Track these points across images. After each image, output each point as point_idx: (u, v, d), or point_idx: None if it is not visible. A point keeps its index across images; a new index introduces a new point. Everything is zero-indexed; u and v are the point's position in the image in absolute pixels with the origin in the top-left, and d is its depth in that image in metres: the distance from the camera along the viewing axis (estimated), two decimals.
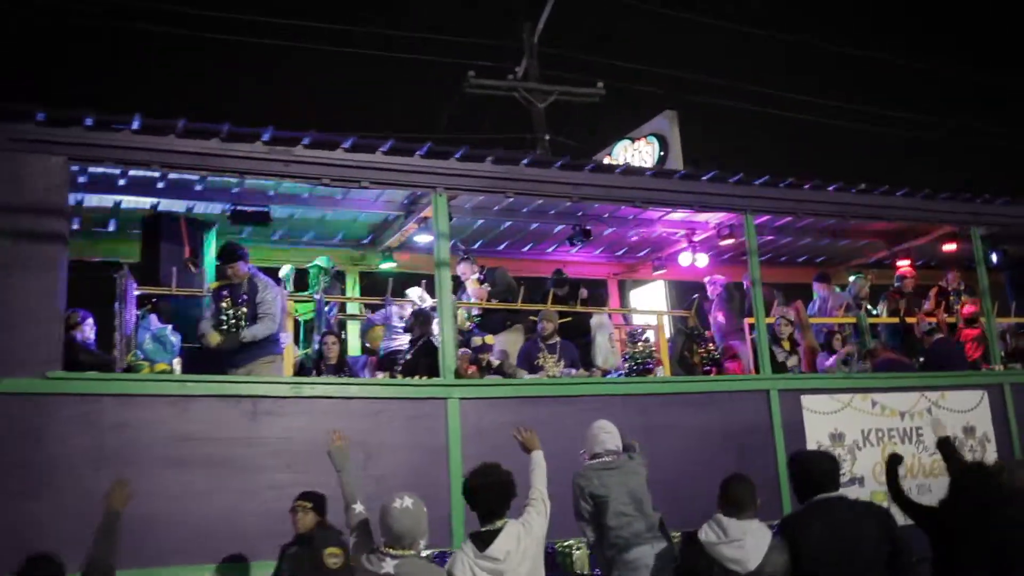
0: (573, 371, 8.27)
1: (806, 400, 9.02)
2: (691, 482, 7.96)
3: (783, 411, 8.84)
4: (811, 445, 8.88)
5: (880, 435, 9.34)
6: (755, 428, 8.67)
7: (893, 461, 6.36)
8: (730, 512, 5.12)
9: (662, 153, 18.40)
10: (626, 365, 9.26)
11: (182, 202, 8.68)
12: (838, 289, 11.60)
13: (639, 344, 9.27)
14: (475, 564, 4.63)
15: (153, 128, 7.13)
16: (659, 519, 5.96)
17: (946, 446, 6.62)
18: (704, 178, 9.04)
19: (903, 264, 11.83)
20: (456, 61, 17.85)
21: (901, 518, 5.68)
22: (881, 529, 5.06)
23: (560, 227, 10.19)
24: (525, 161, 8.25)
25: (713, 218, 9.97)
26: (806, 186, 9.55)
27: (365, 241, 10.20)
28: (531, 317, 9.36)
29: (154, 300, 8.06)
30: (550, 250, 10.99)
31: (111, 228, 9.20)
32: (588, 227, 9.72)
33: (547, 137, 17.77)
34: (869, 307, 11.43)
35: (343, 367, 7.87)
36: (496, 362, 8.42)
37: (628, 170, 8.71)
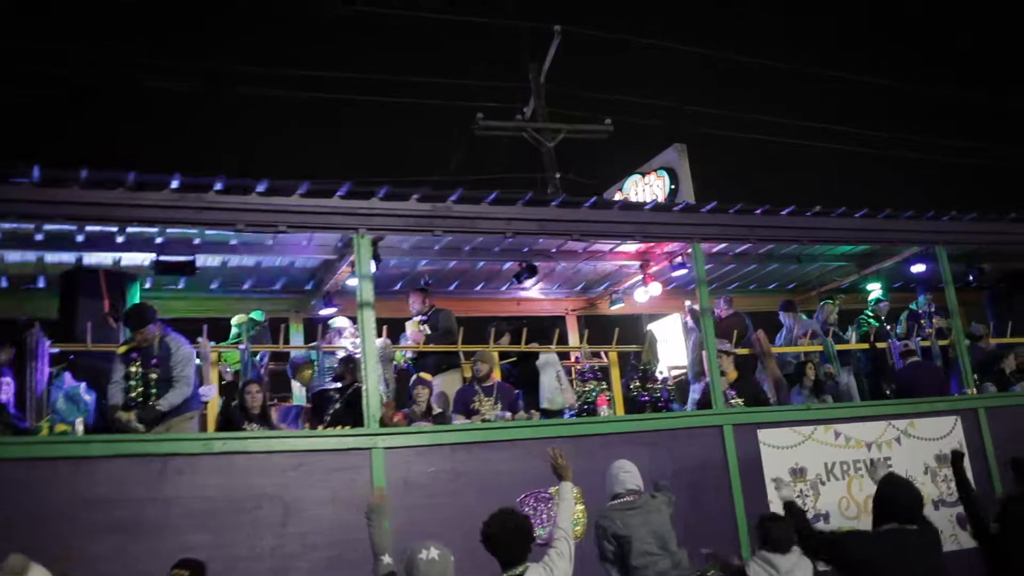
0: (508, 414, 7.90)
1: (764, 434, 8.63)
2: None
3: (739, 447, 8.44)
4: (769, 479, 8.48)
5: (845, 468, 8.92)
6: (708, 465, 8.28)
7: (957, 458, 6.77)
8: (775, 548, 5.31)
9: (673, 186, 18.15)
10: (577, 405, 8.90)
11: (107, 254, 8.42)
12: (804, 316, 11.19)
13: (589, 383, 8.91)
14: None
15: (56, 180, 6.91)
16: (685, 556, 5.94)
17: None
18: (647, 207, 8.73)
19: (874, 287, 11.43)
20: (465, 104, 17.95)
21: None
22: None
23: (509, 264, 9.86)
24: (453, 198, 7.96)
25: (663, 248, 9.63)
26: (757, 211, 9.22)
27: (308, 287, 9.90)
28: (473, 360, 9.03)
29: (71, 357, 7.78)
30: (504, 288, 10.66)
31: (40, 284, 8.95)
32: (535, 263, 9.39)
33: (558, 175, 17.80)
34: (839, 332, 11.02)
35: (267, 417, 7.54)
36: (438, 409, 8.07)
37: (565, 202, 8.39)
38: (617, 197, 17.82)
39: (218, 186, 7.26)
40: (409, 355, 9.04)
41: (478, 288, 10.51)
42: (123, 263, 8.58)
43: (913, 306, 11.51)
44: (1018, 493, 6.83)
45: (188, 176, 7.16)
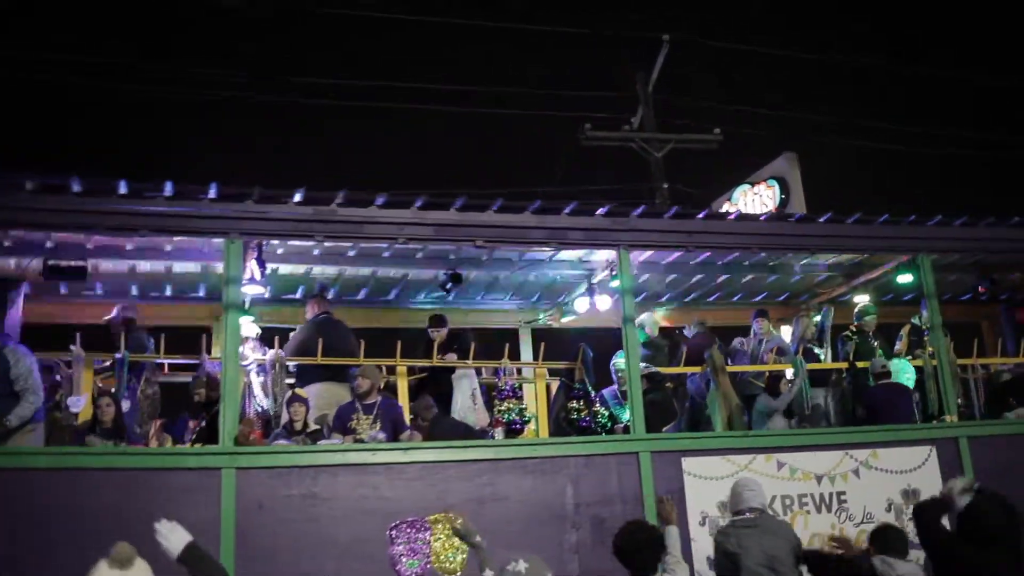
0: (381, 435, 7.27)
1: (689, 463, 7.77)
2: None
3: (658, 477, 7.61)
4: (694, 516, 7.66)
5: (789, 503, 7.97)
6: (618, 498, 7.48)
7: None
8: (894, 554, 5.46)
9: (783, 196, 17.87)
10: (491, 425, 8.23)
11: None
12: (776, 331, 10.19)
13: (507, 402, 8.22)
14: None
15: None
16: None
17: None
18: (565, 211, 8.00)
19: (861, 300, 10.35)
20: (572, 114, 17.67)
21: None
22: None
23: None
24: (338, 200, 7.41)
25: (593, 256, 8.87)
26: (700, 215, 8.39)
27: None
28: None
29: None
30: (451, 298, 10.03)
31: None
32: (460, 271, 8.74)
33: (665, 186, 17.45)
34: (816, 350, 10.00)
35: (121, 432, 7.12)
36: (315, 426, 7.52)
37: (466, 206, 7.74)
38: (725, 207, 17.60)
39: (76, 188, 6.89)
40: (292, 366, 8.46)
41: (421, 297, 9.91)
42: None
43: (915, 320, 10.35)
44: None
45: (43, 177, 6.82)
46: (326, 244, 8.22)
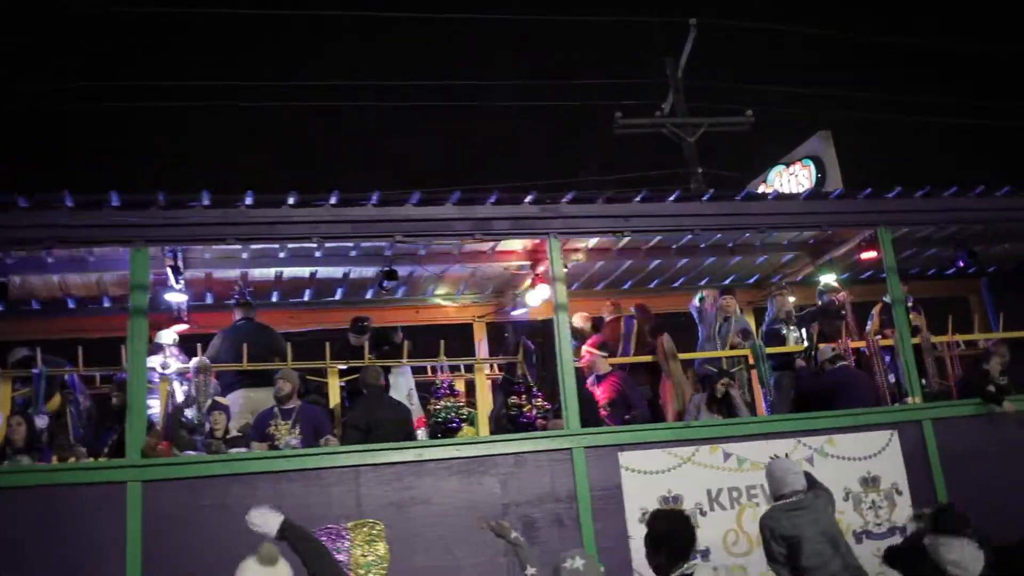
0: (294, 441, 7.04)
1: (627, 457, 7.46)
2: (457, 570, 6.72)
3: (593, 473, 7.32)
4: (632, 513, 7.35)
5: (736, 495, 7.63)
6: (550, 497, 7.21)
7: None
8: (948, 534, 5.27)
9: (819, 175, 17.62)
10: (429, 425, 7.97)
11: None
12: (741, 313, 9.77)
13: (443, 400, 7.96)
14: None
15: None
16: (855, 557, 5.88)
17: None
18: (490, 201, 7.72)
19: (828, 279, 9.91)
20: (603, 103, 18.45)
21: None
22: None
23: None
24: (247, 201, 7.20)
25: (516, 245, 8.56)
26: (636, 199, 8.06)
27: None
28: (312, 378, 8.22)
29: None
30: (400, 294, 9.80)
31: None
32: (394, 268, 8.48)
33: (700, 170, 17.48)
34: (785, 331, 9.57)
35: (32, 448, 6.97)
36: (237, 433, 7.32)
37: (383, 201, 7.49)
38: (761, 189, 17.41)
39: None
40: None
41: (368, 295, 9.66)
42: None
43: (887, 299, 9.88)
44: None
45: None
46: (253, 247, 8.03)
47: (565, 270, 8.68)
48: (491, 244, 8.60)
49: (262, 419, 7.26)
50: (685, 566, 4.62)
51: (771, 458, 6.33)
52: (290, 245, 7.72)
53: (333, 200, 7.35)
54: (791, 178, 18.15)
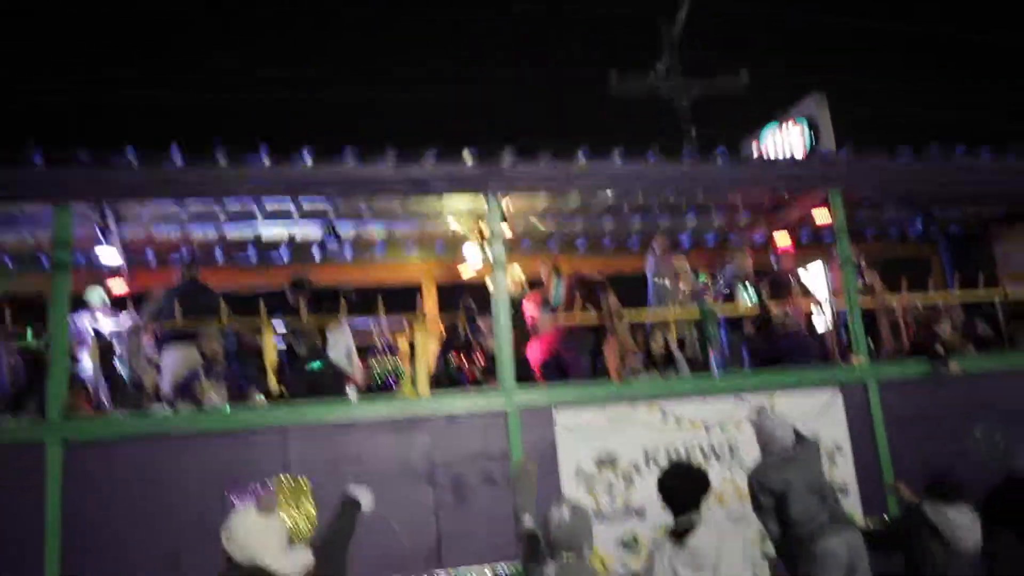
0: (219, 399, 6.97)
1: (562, 416, 7.39)
2: (379, 530, 6.64)
3: (527, 432, 7.26)
4: (567, 472, 7.32)
5: (674, 454, 7.57)
6: (483, 456, 7.15)
7: None
8: (945, 501, 5.66)
9: (812, 136, 17.24)
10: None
11: None
12: (693, 274, 9.66)
13: (381, 358, 7.90)
14: (675, 558, 4.63)
15: None
16: (842, 508, 5.96)
17: None
18: (428, 160, 7.57)
19: (781, 240, 9.80)
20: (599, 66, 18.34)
21: None
22: None
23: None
24: (177, 160, 7.06)
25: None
26: (580, 158, 7.91)
27: None
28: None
29: None
30: (349, 254, 9.70)
31: None
32: (334, 225, 8.41)
33: (694, 132, 17.55)
34: (743, 293, 9.47)
35: None
36: (167, 392, 7.26)
37: (317, 159, 7.33)
38: (753, 148, 17.51)
39: None
40: None
41: (316, 255, 9.56)
42: None
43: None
44: None
45: None
46: (191, 208, 7.96)
47: (507, 229, 8.63)
48: (435, 202, 8.51)
49: (188, 380, 7.18)
50: (695, 517, 4.72)
51: (758, 413, 6.26)
52: (203, 203, 7.59)
53: (266, 158, 7.23)
54: (784, 138, 17.85)
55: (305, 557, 3.73)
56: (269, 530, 3.71)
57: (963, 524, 5.57)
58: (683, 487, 4.85)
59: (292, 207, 8.24)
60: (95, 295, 8.05)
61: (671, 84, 17.72)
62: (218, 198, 7.46)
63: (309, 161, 7.32)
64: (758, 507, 5.92)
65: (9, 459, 6.34)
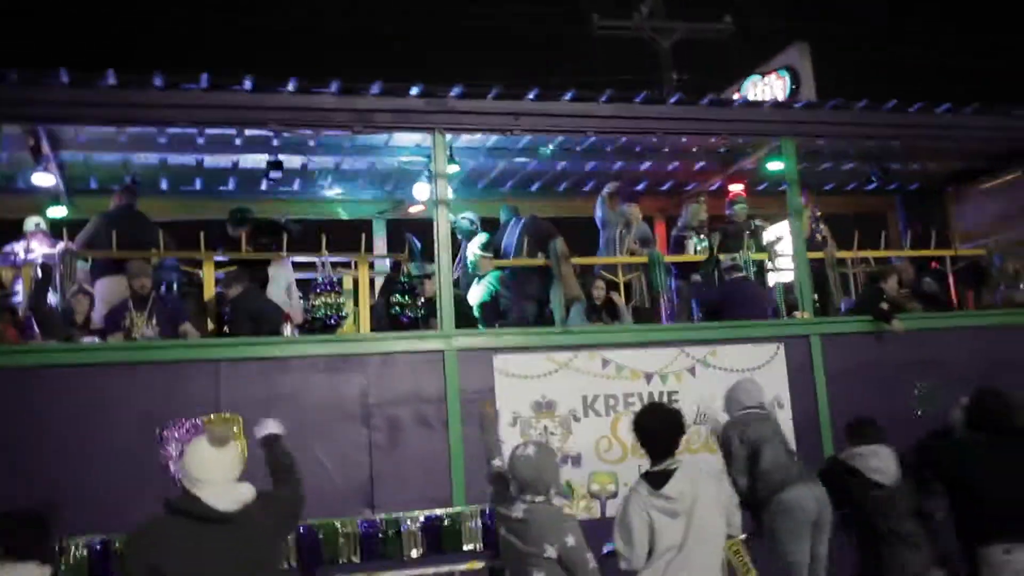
0: (149, 332, 6.84)
1: (501, 360, 7.32)
2: (319, 469, 6.58)
3: (465, 376, 7.18)
4: (505, 416, 7.22)
5: (612, 403, 7.54)
6: (418, 398, 7.07)
7: None
8: (864, 441, 5.76)
9: (794, 87, 17.41)
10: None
11: None
12: (641, 221, 9.55)
13: (323, 296, 7.76)
14: (650, 503, 4.53)
15: None
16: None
17: None
18: (372, 92, 7.36)
19: (735, 188, 9.71)
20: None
21: None
22: None
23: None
24: (110, 81, 6.80)
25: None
26: (529, 96, 7.72)
27: None
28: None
29: None
30: (296, 187, 9.48)
31: None
32: (277, 158, 8.19)
33: (675, 77, 17.32)
34: (692, 241, 9.41)
35: None
36: (97, 323, 7.10)
37: (257, 87, 7.11)
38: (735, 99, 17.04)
39: None
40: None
41: (262, 187, 9.31)
42: None
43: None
44: None
45: None
46: (129, 131, 7.70)
47: (456, 167, 8.48)
48: (384, 137, 8.31)
49: (116, 311, 7.01)
50: (671, 462, 4.61)
51: (738, 381, 6.51)
52: (151, 128, 7.35)
53: (204, 84, 6.98)
54: (765, 88, 17.89)
55: (249, 492, 3.62)
56: (220, 462, 3.58)
57: (876, 460, 5.66)
58: (661, 429, 4.74)
59: (235, 135, 8.00)
60: (30, 222, 7.83)
61: (653, 25, 17.43)
62: (157, 124, 7.19)
63: (248, 86, 7.09)
64: (730, 457, 6.03)
65: None
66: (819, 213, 9.72)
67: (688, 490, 4.51)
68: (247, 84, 7.09)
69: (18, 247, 7.58)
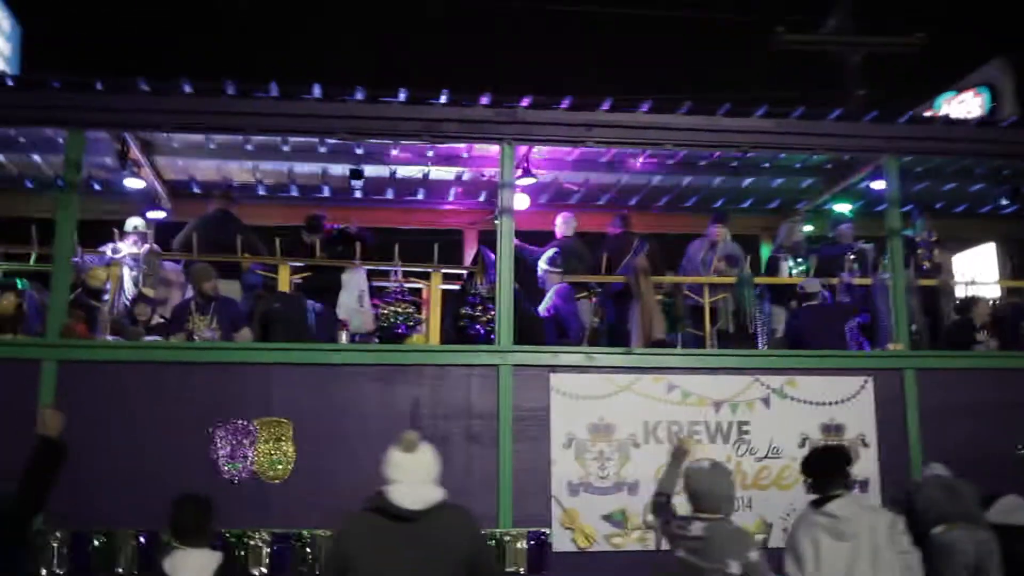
0: (208, 334, 6.99)
1: (559, 380, 7.10)
2: (356, 474, 6.52)
3: (519, 393, 7.01)
4: (558, 437, 7.04)
5: (676, 430, 7.17)
6: (466, 413, 6.94)
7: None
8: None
9: (993, 104, 16.46)
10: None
11: None
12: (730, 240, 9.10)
13: (395, 305, 7.78)
14: (814, 521, 4.80)
15: None
16: None
17: None
18: (441, 101, 7.32)
19: (841, 207, 9.09)
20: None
21: None
22: None
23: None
24: (186, 89, 7.06)
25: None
26: (603, 107, 7.48)
27: None
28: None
29: None
30: (389, 196, 9.57)
31: None
32: (360, 167, 8.28)
33: (861, 92, 16.39)
34: (788, 263, 8.90)
35: None
36: (159, 320, 7.37)
37: (327, 96, 7.18)
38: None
39: None
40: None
41: (356, 195, 9.46)
42: None
43: (909, 232, 9.01)
44: None
45: None
46: (217, 138, 8.01)
47: (533, 179, 8.36)
48: (465, 147, 8.28)
49: (179, 312, 7.26)
50: (837, 491, 4.84)
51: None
52: (220, 136, 7.61)
53: (274, 93, 7.13)
54: (960, 105, 16.80)
55: (436, 493, 3.82)
56: (410, 465, 3.84)
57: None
58: (828, 459, 5.06)
59: (318, 143, 8.15)
60: (130, 223, 8.24)
61: (840, 40, 16.40)
62: (228, 132, 7.42)
63: (316, 94, 7.17)
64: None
65: (10, 374, 6.54)
66: (934, 238, 8.98)
67: (855, 514, 4.71)
68: (316, 92, 7.19)
69: (108, 248, 7.96)
